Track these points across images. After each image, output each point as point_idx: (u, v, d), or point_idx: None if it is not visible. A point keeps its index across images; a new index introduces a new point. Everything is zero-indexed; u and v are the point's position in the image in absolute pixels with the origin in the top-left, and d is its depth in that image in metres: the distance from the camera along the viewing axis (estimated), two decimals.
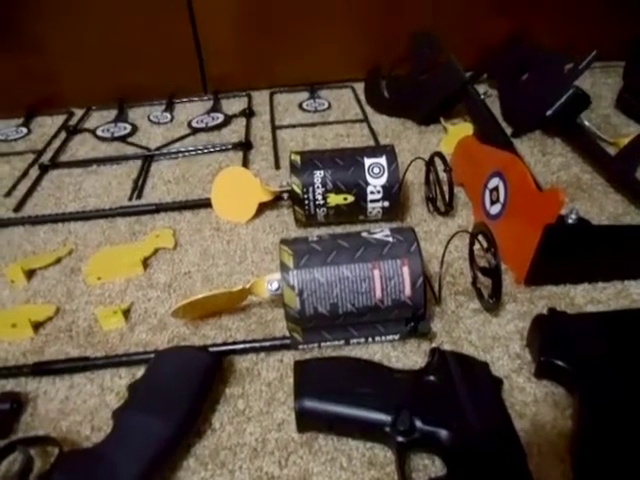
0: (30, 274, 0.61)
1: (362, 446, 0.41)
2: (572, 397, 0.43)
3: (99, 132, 0.91)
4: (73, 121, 0.96)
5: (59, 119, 0.97)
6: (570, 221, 0.52)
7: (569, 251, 0.52)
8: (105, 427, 0.43)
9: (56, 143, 0.89)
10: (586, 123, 0.79)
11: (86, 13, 0.91)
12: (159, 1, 0.91)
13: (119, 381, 0.47)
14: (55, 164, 0.83)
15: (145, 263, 0.61)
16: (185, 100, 1.01)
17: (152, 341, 0.51)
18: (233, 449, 0.41)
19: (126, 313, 0.54)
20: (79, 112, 0.99)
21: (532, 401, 0.44)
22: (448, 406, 0.40)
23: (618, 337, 0.46)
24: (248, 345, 0.49)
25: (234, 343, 0.50)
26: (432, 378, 0.43)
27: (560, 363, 0.44)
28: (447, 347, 0.48)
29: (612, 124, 0.84)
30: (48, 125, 0.96)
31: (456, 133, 0.79)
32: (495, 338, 0.49)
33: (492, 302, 0.50)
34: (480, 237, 0.51)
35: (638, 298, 0.52)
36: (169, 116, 0.95)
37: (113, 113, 0.97)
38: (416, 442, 0.39)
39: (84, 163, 0.82)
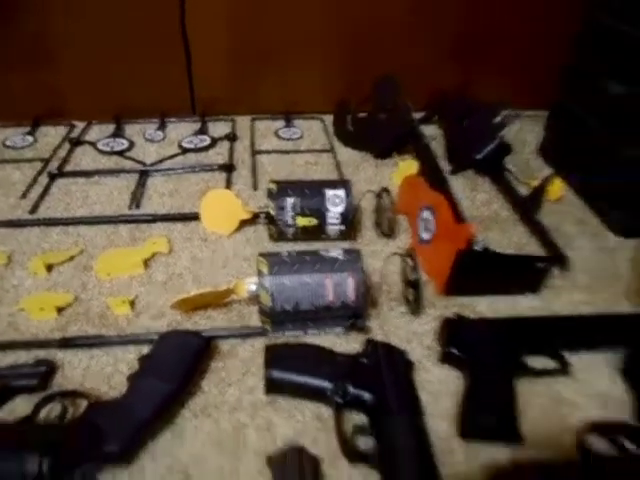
0: (49, 268, 0.73)
1: (312, 405, 0.56)
2: (464, 378, 0.60)
3: (100, 145, 1.03)
4: (74, 133, 1.09)
5: (61, 130, 1.10)
6: (477, 248, 0.69)
7: (475, 270, 0.69)
8: (119, 387, 0.57)
9: (61, 153, 1.01)
10: (508, 166, 0.97)
11: (92, 35, 1.03)
12: (157, 30, 1.05)
13: (129, 355, 0.61)
14: (62, 173, 0.95)
15: (145, 264, 0.75)
16: (176, 120, 1.14)
17: (154, 326, 0.65)
18: (217, 406, 0.56)
19: (132, 303, 0.68)
20: (79, 124, 1.11)
21: (436, 380, 0.60)
22: (373, 379, 0.56)
23: (501, 336, 0.63)
24: (229, 332, 0.64)
25: (219, 329, 0.64)
26: (365, 360, 0.59)
27: (458, 353, 0.61)
28: (379, 338, 0.64)
29: (531, 167, 1.01)
30: (52, 135, 1.08)
31: (405, 168, 0.95)
32: (415, 333, 0.65)
33: (414, 307, 0.67)
34: (409, 258, 0.68)
35: (523, 309, 0.69)
36: (162, 134, 1.08)
37: (111, 127, 1.10)
38: (348, 403, 0.55)
39: (88, 174, 0.95)
